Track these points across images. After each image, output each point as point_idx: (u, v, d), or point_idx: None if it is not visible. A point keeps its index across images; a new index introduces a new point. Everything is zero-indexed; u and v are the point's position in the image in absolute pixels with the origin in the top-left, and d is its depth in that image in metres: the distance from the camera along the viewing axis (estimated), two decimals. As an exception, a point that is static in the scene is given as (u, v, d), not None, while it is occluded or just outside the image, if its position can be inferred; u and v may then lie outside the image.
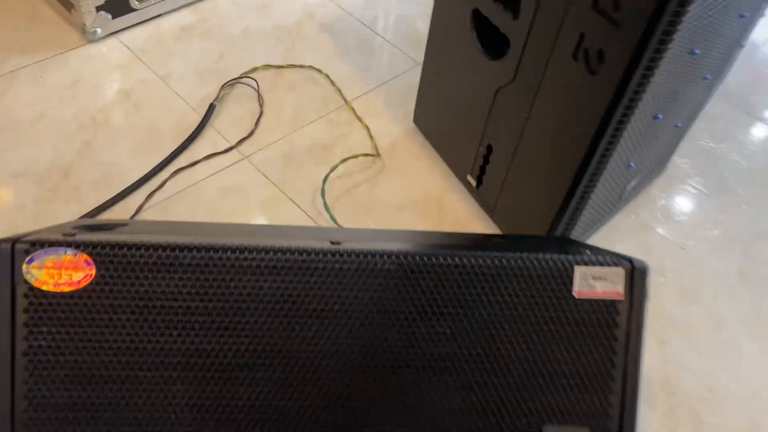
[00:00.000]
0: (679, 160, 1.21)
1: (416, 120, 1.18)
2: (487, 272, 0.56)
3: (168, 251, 0.53)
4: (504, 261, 0.56)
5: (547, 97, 0.84)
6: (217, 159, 1.11)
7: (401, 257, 0.55)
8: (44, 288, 0.53)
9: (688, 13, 0.68)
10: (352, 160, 1.11)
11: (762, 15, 0.92)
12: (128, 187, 1.04)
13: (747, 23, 0.90)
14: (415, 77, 1.29)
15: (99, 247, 0.53)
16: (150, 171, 1.07)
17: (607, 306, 0.57)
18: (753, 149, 1.26)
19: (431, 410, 0.57)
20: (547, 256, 0.57)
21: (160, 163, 1.08)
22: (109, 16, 1.26)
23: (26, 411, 0.53)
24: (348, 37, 1.38)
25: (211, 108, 1.18)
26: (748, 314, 0.99)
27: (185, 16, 1.37)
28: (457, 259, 0.56)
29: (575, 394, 0.57)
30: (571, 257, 0.57)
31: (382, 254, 0.56)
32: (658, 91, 0.79)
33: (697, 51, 0.78)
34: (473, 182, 1.05)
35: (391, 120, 1.21)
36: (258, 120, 1.18)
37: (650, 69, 0.72)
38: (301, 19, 1.41)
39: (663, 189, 1.16)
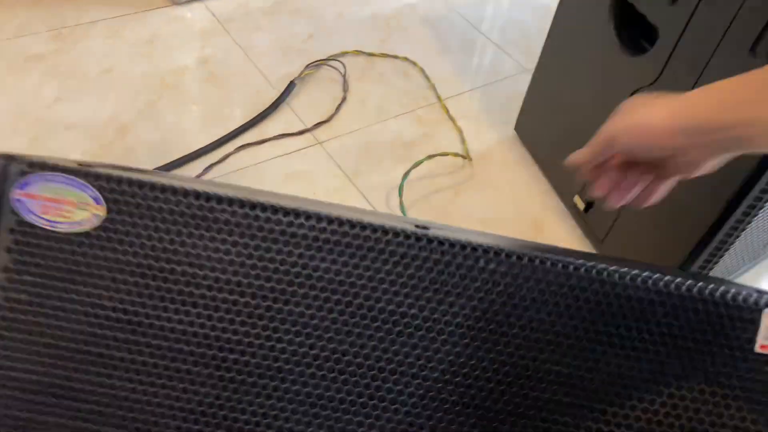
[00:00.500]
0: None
1: (518, 128, 1.03)
2: (644, 297, 0.39)
3: (203, 200, 0.39)
4: (671, 285, 0.39)
5: (702, 102, 0.67)
6: (289, 140, 0.99)
7: (516, 257, 0.40)
8: (37, 224, 0.40)
9: None
10: (439, 157, 0.97)
11: None
12: (187, 155, 0.92)
13: None
14: (520, 83, 1.14)
15: (115, 182, 0.40)
16: (214, 141, 0.95)
17: (804, 373, 0.39)
18: None
19: (523, 479, 0.40)
20: (726, 287, 0.39)
21: (225, 135, 0.96)
22: (200, -21, 1.18)
23: (-15, 382, 0.40)
24: (450, 34, 1.24)
25: (291, 86, 1.06)
26: None
27: (279, -7, 1.28)
28: (601, 273, 0.39)
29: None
30: (759, 293, 0.40)
31: (488, 249, 0.40)
32: None
33: None
34: (581, 205, 0.88)
35: (488, 125, 1.06)
36: (339, 106, 1.05)
37: None
38: (401, 10, 1.28)
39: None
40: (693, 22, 0.66)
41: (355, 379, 0.40)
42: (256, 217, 0.40)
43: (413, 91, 1.11)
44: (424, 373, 0.40)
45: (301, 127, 1.01)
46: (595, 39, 0.80)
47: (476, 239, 0.40)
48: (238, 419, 0.40)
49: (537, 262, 0.40)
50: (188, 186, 0.40)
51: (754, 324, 0.39)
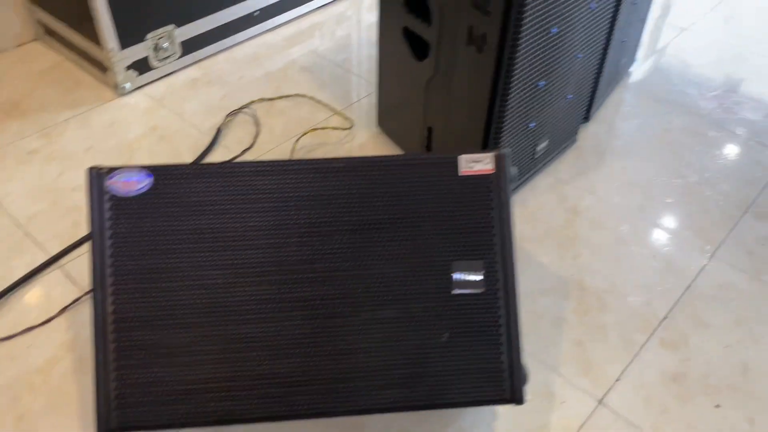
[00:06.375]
0: (587, 132, 1.53)
1: (380, 123, 1.51)
2: (398, 163, 0.87)
3: (201, 167, 0.84)
4: (411, 159, 0.87)
5: (459, 77, 1.16)
6: (226, 166, 1.43)
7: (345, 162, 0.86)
8: (121, 194, 0.84)
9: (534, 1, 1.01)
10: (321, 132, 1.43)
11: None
12: (160, 189, 1.36)
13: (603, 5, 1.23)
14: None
15: (157, 169, 0.84)
16: (175, 177, 1.39)
17: (483, 178, 0.87)
18: (643, 120, 1.58)
19: (378, 262, 0.86)
20: (440, 155, 0.87)
21: (182, 172, 1.40)
22: (136, 74, 1.62)
23: (110, 267, 0.83)
24: (324, 75, 1.73)
25: (219, 131, 1.51)
26: (641, 232, 1.28)
27: (192, 72, 1.74)
28: (383, 161, 0.86)
29: (470, 239, 0.86)
30: (456, 154, 0.87)
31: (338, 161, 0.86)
32: (532, 62, 1.12)
33: (554, 29, 1.11)
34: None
35: (360, 128, 1.54)
36: (256, 137, 1.51)
37: (516, 42, 1.04)
38: (286, 66, 1.77)
39: (575, 156, 1.47)
40: (441, 35, 1.16)
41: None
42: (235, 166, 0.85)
43: (306, 116, 1.58)
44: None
45: (233, 156, 1.46)
46: (400, 55, 1.30)
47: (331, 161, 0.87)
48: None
49: (358, 162, 0.86)
50: (193, 163, 0.84)
51: (456, 164, 0.87)
